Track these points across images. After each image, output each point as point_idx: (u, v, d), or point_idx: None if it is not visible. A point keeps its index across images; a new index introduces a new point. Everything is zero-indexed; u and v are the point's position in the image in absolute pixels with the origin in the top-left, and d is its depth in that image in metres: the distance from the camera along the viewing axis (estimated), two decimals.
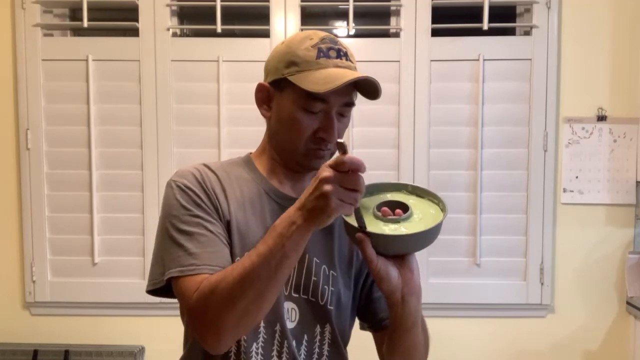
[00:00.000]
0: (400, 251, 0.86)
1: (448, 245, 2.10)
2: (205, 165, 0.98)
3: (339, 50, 0.93)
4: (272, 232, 0.81)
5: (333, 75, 0.88)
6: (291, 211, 0.80)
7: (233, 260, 0.90)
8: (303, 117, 0.91)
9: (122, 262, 2.13)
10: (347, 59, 0.93)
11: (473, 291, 2.11)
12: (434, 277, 2.11)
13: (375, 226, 0.84)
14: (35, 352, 2.10)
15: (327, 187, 0.75)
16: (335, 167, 0.76)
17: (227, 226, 0.92)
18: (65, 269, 2.14)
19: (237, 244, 0.92)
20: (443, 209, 0.88)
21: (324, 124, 0.92)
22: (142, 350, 2.15)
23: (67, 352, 2.10)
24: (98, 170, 2.12)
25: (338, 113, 0.93)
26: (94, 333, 2.15)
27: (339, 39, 0.96)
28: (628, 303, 2.11)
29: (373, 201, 0.90)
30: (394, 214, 0.87)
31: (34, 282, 2.14)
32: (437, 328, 2.14)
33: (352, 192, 0.76)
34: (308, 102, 0.90)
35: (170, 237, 0.89)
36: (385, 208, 0.88)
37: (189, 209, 0.90)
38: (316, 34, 0.95)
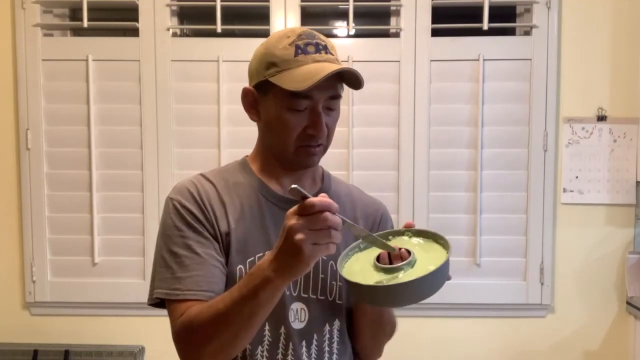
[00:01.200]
0: (399, 303, 0.83)
1: None
2: (203, 176, 0.98)
3: (317, 45, 0.91)
4: (248, 280, 0.80)
5: (312, 71, 0.87)
6: (266, 263, 0.77)
7: (233, 271, 0.91)
8: (290, 116, 0.91)
9: (122, 262, 2.13)
10: (326, 52, 0.92)
11: (473, 291, 2.11)
12: None
13: (373, 278, 0.83)
14: (35, 352, 2.10)
15: (298, 236, 0.71)
16: (301, 212, 0.72)
17: (227, 237, 0.92)
18: (65, 269, 2.14)
19: (238, 253, 0.92)
20: (446, 248, 0.84)
21: (312, 121, 0.91)
22: (142, 350, 2.15)
23: (67, 352, 2.10)
24: (98, 170, 2.12)
25: (325, 107, 0.92)
26: (94, 333, 2.15)
27: (317, 32, 0.94)
28: (628, 303, 2.11)
29: (374, 252, 0.88)
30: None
31: (34, 282, 2.14)
32: (437, 328, 2.17)
33: (325, 230, 0.72)
34: (292, 101, 0.90)
35: (162, 257, 0.92)
36: (383, 253, 0.86)
37: (181, 229, 0.91)
38: (293, 31, 0.93)
